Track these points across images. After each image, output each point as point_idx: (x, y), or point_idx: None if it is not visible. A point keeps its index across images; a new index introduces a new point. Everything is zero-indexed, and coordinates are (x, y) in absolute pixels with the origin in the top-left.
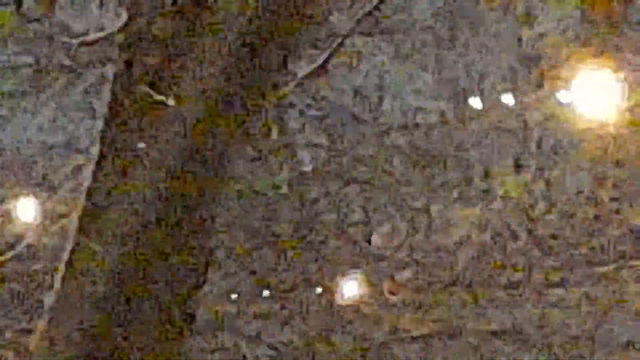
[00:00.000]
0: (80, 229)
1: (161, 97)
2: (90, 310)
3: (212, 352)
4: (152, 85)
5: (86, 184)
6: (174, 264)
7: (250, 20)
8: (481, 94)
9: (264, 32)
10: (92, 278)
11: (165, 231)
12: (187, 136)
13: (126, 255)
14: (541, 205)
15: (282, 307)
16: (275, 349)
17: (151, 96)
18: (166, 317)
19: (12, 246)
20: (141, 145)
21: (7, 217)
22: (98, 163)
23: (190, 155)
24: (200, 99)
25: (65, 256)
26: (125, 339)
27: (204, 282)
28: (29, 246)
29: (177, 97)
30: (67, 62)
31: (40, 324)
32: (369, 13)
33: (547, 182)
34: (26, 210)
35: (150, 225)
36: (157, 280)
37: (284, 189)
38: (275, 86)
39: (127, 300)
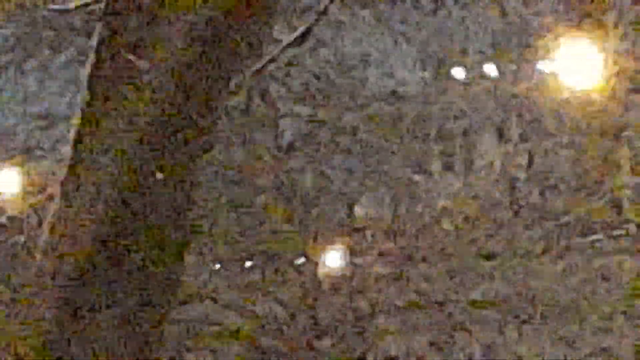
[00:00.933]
0: (62, 199)
1: (142, 63)
2: (70, 280)
3: (195, 321)
4: (133, 52)
5: (67, 154)
6: (156, 232)
7: None
8: (464, 64)
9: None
10: (73, 246)
11: (146, 200)
12: (165, 105)
13: (107, 224)
14: (524, 176)
15: (265, 277)
16: (258, 317)
17: (133, 63)
18: (149, 285)
19: None
20: (159, 176)
21: None
22: (79, 134)
23: (170, 124)
24: (178, 67)
25: (46, 227)
26: (107, 307)
27: (186, 251)
28: (10, 218)
29: (156, 64)
30: (49, 32)
31: (21, 296)
32: None
33: (530, 153)
34: (8, 181)
35: (131, 195)
36: (139, 248)
37: (266, 159)
38: (258, 55)
39: (109, 268)
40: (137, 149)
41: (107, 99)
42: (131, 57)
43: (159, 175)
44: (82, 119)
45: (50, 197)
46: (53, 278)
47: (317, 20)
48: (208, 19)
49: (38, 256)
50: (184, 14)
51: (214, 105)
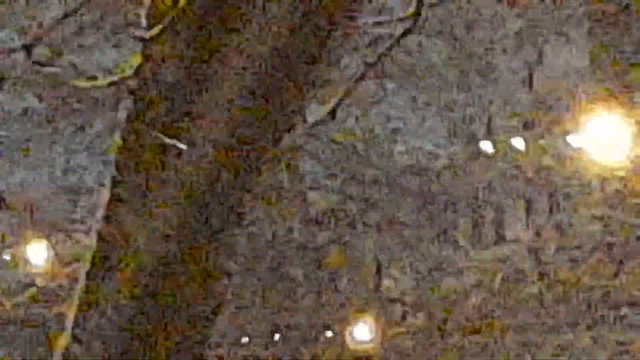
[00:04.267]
0: (90, 273)
1: (172, 141)
2: (101, 353)
3: None
4: (163, 129)
5: (96, 227)
6: (185, 308)
7: (262, 65)
8: (492, 138)
9: (277, 78)
10: (103, 321)
11: (177, 276)
12: (199, 182)
13: (137, 299)
14: (552, 249)
15: (294, 351)
16: None
17: (162, 140)
18: (176, 357)
19: (23, 290)
20: (183, 146)
21: (19, 260)
22: (109, 207)
23: (202, 201)
24: (211, 145)
25: (75, 300)
26: None
27: (213, 326)
28: (40, 290)
29: (189, 142)
30: (77, 105)
31: None
32: (381, 56)
33: (558, 226)
34: (37, 254)
35: (161, 271)
36: (169, 324)
37: (295, 233)
38: (288, 131)
39: (139, 344)
40: (171, 220)
41: (134, 174)
42: (159, 135)
43: (183, 146)
44: (110, 193)
45: (78, 272)
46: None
47: (346, 94)
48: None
49: (67, 331)
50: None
51: (248, 185)
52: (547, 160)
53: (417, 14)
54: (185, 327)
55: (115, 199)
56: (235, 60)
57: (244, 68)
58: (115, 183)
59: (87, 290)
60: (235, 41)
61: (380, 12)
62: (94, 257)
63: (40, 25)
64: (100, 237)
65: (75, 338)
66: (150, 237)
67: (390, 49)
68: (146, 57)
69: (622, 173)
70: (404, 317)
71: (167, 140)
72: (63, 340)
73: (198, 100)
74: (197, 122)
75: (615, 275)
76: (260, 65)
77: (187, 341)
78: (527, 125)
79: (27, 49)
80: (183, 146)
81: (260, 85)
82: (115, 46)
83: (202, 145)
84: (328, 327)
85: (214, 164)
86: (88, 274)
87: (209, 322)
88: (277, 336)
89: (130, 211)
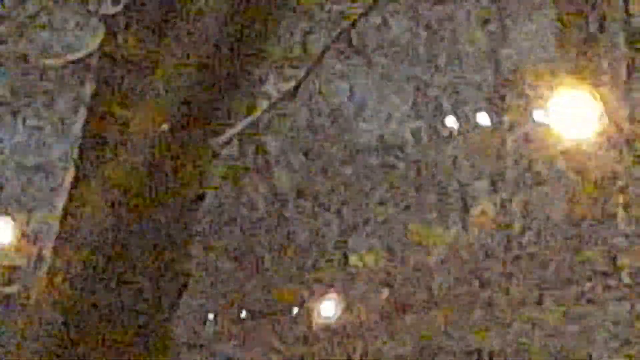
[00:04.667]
0: (55, 251)
1: (129, 114)
2: (60, 330)
3: None
4: (123, 104)
5: (61, 205)
6: (150, 284)
7: (221, 35)
8: (457, 114)
9: (235, 51)
10: (65, 298)
11: (141, 252)
12: (157, 156)
13: (101, 274)
14: (518, 225)
15: (260, 328)
16: None
17: (123, 116)
18: (142, 337)
19: None
20: (164, 126)
21: None
22: (73, 185)
23: (163, 174)
24: (169, 118)
25: (40, 278)
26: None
27: (179, 302)
28: (4, 268)
29: (146, 115)
30: (42, 83)
31: (12, 347)
32: (345, 32)
33: (524, 202)
34: (3, 232)
35: (125, 247)
36: (134, 301)
37: (261, 209)
38: (250, 108)
39: (101, 319)
40: (129, 200)
41: (99, 150)
42: (121, 110)
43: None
44: (75, 171)
45: (43, 249)
46: (47, 323)
47: (310, 70)
48: (200, 69)
49: (31, 306)
50: (174, 69)
51: (207, 156)
52: (512, 136)
53: None
54: (150, 306)
55: (79, 176)
56: (188, 34)
57: (200, 42)
58: (79, 160)
59: (52, 267)
60: (189, 14)
61: None
62: (58, 233)
63: (2, 3)
64: (65, 215)
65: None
66: (110, 210)
67: (353, 25)
68: (109, 35)
69: (586, 148)
70: (369, 293)
71: (126, 114)
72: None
73: (156, 74)
74: (154, 95)
75: (580, 250)
76: (212, 37)
77: (153, 319)
78: (492, 101)
79: None
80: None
81: (213, 58)
82: (79, 24)
83: (158, 119)
84: (294, 305)
85: (174, 141)
86: (54, 250)
87: (175, 300)
88: (244, 313)
89: (93, 186)
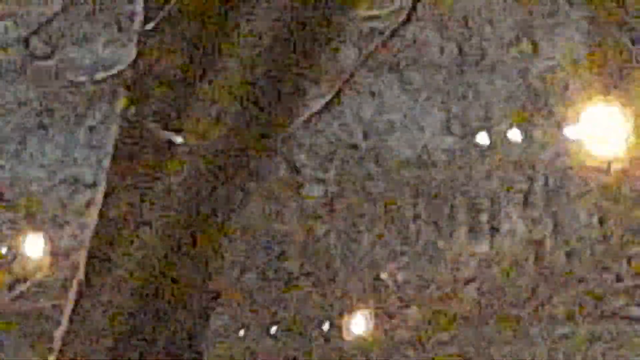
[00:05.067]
0: (88, 266)
1: (169, 135)
2: (97, 347)
3: None
4: (160, 123)
5: (93, 221)
6: (182, 303)
7: (259, 59)
8: (488, 130)
9: (275, 71)
10: (101, 314)
11: (173, 269)
12: (196, 175)
13: (134, 291)
14: (549, 242)
15: (290, 344)
16: None
17: (159, 134)
18: (175, 355)
19: (20, 283)
20: (179, 139)
21: (16, 254)
22: (105, 200)
23: (199, 194)
24: (210, 139)
25: (73, 292)
26: None
27: (209, 319)
28: (37, 283)
29: (186, 136)
30: (73, 98)
31: None
32: (378, 48)
33: (555, 218)
34: (34, 247)
35: (158, 263)
36: (167, 320)
37: (292, 226)
38: (285, 124)
39: (135, 338)
40: (167, 213)
41: (130, 169)
42: (157, 128)
43: (179, 140)
44: (106, 186)
45: (75, 265)
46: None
47: (343, 86)
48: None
49: (63, 325)
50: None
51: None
52: (543, 152)
53: (414, 6)
54: (182, 323)
55: (111, 194)
56: (233, 54)
57: (241, 63)
58: (111, 177)
59: (85, 284)
60: (233, 36)
61: (374, 4)
62: (91, 252)
63: (37, 18)
64: (97, 232)
65: (72, 332)
66: (147, 232)
67: (385, 41)
68: (142, 51)
69: (619, 165)
70: (400, 309)
71: (164, 134)
72: (60, 334)
73: (195, 96)
74: (194, 116)
75: (610, 267)
76: (257, 59)
77: (185, 336)
78: (523, 117)
79: (25, 41)
80: (179, 139)
81: (257, 80)
82: (112, 40)
83: (199, 139)
84: (325, 320)
85: (210, 159)
86: (86, 268)
87: (206, 317)
88: (273, 329)
89: (127, 205)
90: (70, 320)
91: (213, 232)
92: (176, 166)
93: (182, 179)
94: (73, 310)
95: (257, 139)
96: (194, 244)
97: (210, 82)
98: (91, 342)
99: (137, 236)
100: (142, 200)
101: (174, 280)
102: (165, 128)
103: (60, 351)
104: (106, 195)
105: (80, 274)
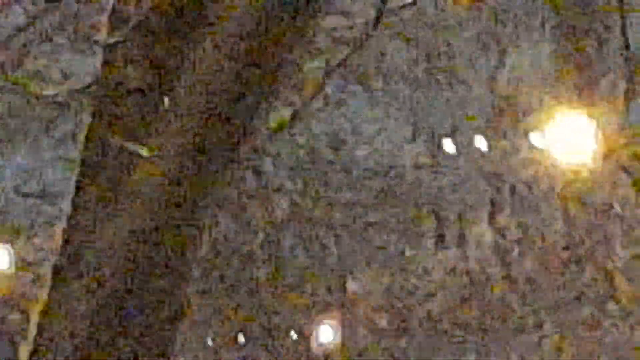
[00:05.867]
0: (55, 278)
1: (135, 148)
2: (65, 358)
3: None
4: (127, 135)
5: (60, 232)
6: (150, 310)
7: (224, 72)
8: (455, 138)
9: (239, 83)
10: (68, 325)
11: (141, 279)
12: (163, 186)
13: (101, 301)
14: (516, 250)
15: (258, 353)
16: None
17: (125, 147)
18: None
19: None
20: (144, 151)
21: None
22: (73, 212)
23: (166, 204)
24: (175, 150)
25: (39, 305)
26: None
27: (176, 330)
28: (1, 296)
29: (151, 149)
30: (40, 111)
31: None
32: (344, 59)
33: (522, 227)
34: (0, 259)
35: (125, 274)
36: (133, 326)
37: (259, 235)
38: (251, 134)
39: (103, 349)
40: (135, 224)
41: (98, 180)
42: (123, 141)
43: (144, 152)
44: (75, 197)
45: (42, 276)
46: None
47: (311, 97)
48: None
49: (31, 337)
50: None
51: (209, 193)
52: (510, 161)
53: (378, 18)
54: (149, 332)
55: (79, 205)
56: (198, 66)
57: (206, 74)
58: (79, 188)
59: (52, 296)
60: (198, 48)
61: (342, 16)
62: (58, 263)
63: (3, 30)
64: (65, 242)
65: (39, 344)
66: (114, 242)
67: (352, 51)
68: (107, 63)
69: (586, 173)
70: (368, 318)
71: (130, 147)
72: (27, 346)
73: (160, 108)
74: (160, 127)
75: (578, 274)
76: (221, 71)
77: (152, 345)
78: (489, 125)
79: None
80: (144, 152)
81: (222, 91)
82: (78, 52)
83: (165, 150)
84: (292, 330)
85: (177, 168)
86: (53, 280)
87: (173, 326)
88: (241, 339)
89: (95, 215)
90: (38, 333)
91: (181, 241)
92: (142, 177)
93: (148, 189)
94: (40, 323)
95: (221, 150)
96: (163, 252)
97: (175, 95)
98: (58, 353)
99: (106, 245)
100: (109, 210)
101: (142, 288)
102: (131, 140)
103: (35, 351)
104: (74, 207)
105: (47, 285)
